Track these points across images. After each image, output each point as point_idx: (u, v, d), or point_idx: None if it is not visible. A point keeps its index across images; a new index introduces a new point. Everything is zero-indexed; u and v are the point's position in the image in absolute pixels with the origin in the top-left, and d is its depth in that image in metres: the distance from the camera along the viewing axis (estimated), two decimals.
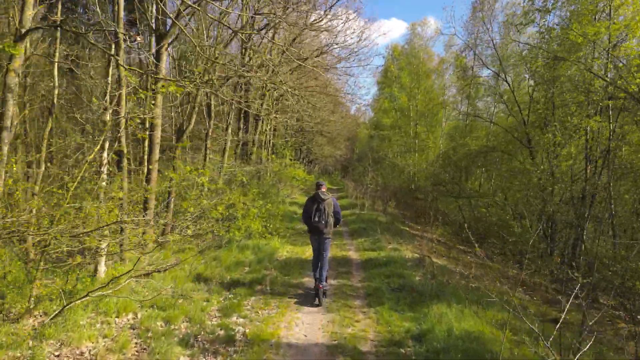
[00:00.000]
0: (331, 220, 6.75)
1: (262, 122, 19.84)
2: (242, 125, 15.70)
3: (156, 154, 8.41)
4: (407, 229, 17.17)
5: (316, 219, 6.62)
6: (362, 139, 61.40)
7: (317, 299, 6.49)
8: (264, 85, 15.44)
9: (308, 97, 13.53)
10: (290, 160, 19.43)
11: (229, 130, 12.91)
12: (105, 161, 6.62)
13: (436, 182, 20.45)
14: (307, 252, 10.51)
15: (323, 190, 6.87)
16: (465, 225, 19.94)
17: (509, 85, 14.87)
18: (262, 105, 16.54)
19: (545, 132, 12.48)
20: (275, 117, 16.86)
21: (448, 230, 19.67)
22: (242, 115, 15.84)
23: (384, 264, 8.96)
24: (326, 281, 6.87)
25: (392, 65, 32.90)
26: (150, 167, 8.34)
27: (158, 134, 8.43)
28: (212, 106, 11.86)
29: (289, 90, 11.77)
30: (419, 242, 12.39)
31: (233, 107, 12.92)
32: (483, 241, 17.66)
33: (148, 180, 8.32)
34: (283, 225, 12.90)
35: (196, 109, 9.31)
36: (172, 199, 9.22)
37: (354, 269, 9.03)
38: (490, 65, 17.64)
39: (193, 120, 9.38)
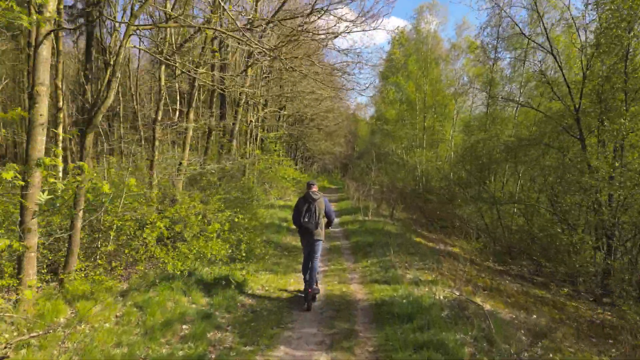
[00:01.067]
0: (322, 221, 6.50)
1: (248, 110, 16.65)
2: (214, 111, 12.44)
3: (38, 143, 5.14)
4: (422, 240, 13.94)
5: (306, 220, 6.37)
6: (363, 135, 58.03)
7: (306, 304, 6.16)
8: (249, 55, 12.27)
9: (301, 69, 10.28)
10: (280, 156, 16.14)
11: (191, 116, 9.63)
12: None
13: (454, 182, 17.16)
14: (292, 285, 7.31)
15: (314, 190, 6.59)
16: (483, 235, 16.73)
17: (556, 58, 11.56)
18: (243, 86, 13.30)
19: (621, 115, 9.22)
20: (259, 97, 13.65)
21: (471, 241, 16.41)
22: (213, 99, 12.61)
23: (408, 316, 5.69)
24: (316, 285, 6.67)
25: (397, 52, 29.60)
26: (28, 164, 5.08)
27: (42, 109, 5.16)
28: (163, 80, 8.60)
29: (282, 58, 8.51)
30: (447, 266, 9.15)
31: (197, 84, 9.63)
32: (518, 256, 14.42)
33: (26, 187, 5.06)
34: (261, 240, 9.63)
35: (117, 74, 6.04)
36: (80, 215, 5.94)
37: (360, 324, 5.76)
38: (527, 34, 14.23)
39: (112, 93, 6.10)
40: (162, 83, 8.59)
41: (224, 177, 10.81)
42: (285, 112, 21.48)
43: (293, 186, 16.43)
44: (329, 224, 6.70)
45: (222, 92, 13.04)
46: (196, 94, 9.83)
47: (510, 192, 18.30)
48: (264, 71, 15.22)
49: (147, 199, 7.98)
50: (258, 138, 18.48)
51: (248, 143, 16.95)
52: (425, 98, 26.77)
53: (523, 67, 19.50)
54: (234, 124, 13.82)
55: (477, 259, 13.08)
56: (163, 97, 8.57)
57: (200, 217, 7.66)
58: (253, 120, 17.22)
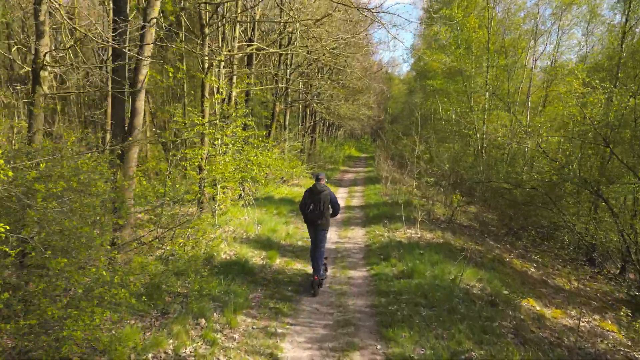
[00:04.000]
0: (328, 212, 6.64)
1: (204, 43, 9.51)
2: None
3: None
4: (542, 310, 6.52)
5: (310, 210, 6.54)
6: (397, 96, 49.30)
7: (313, 290, 6.37)
8: None
9: None
10: (245, 130, 8.68)
11: None
12: None
13: (571, 171, 9.39)
14: None
15: (322, 182, 6.68)
16: None
17: None
18: None
19: None
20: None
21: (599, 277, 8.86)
22: None
23: None
24: (324, 271, 6.88)
25: None
26: None
27: None
28: None
29: None
30: None
31: None
32: None
33: None
34: None
35: None
36: None
37: None
38: None
39: None
40: None
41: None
42: (284, 51, 13.71)
43: (284, 174, 9.09)
44: (334, 214, 6.78)
45: None
46: None
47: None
48: None
49: None
50: (231, 98, 11.05)
51: (208, 104, 9.59)
52: (489, 41, 18.54)
53: None
54: (138, 62, 6.59)
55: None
56: None
57: None
58: (217, 61, 9.84)
